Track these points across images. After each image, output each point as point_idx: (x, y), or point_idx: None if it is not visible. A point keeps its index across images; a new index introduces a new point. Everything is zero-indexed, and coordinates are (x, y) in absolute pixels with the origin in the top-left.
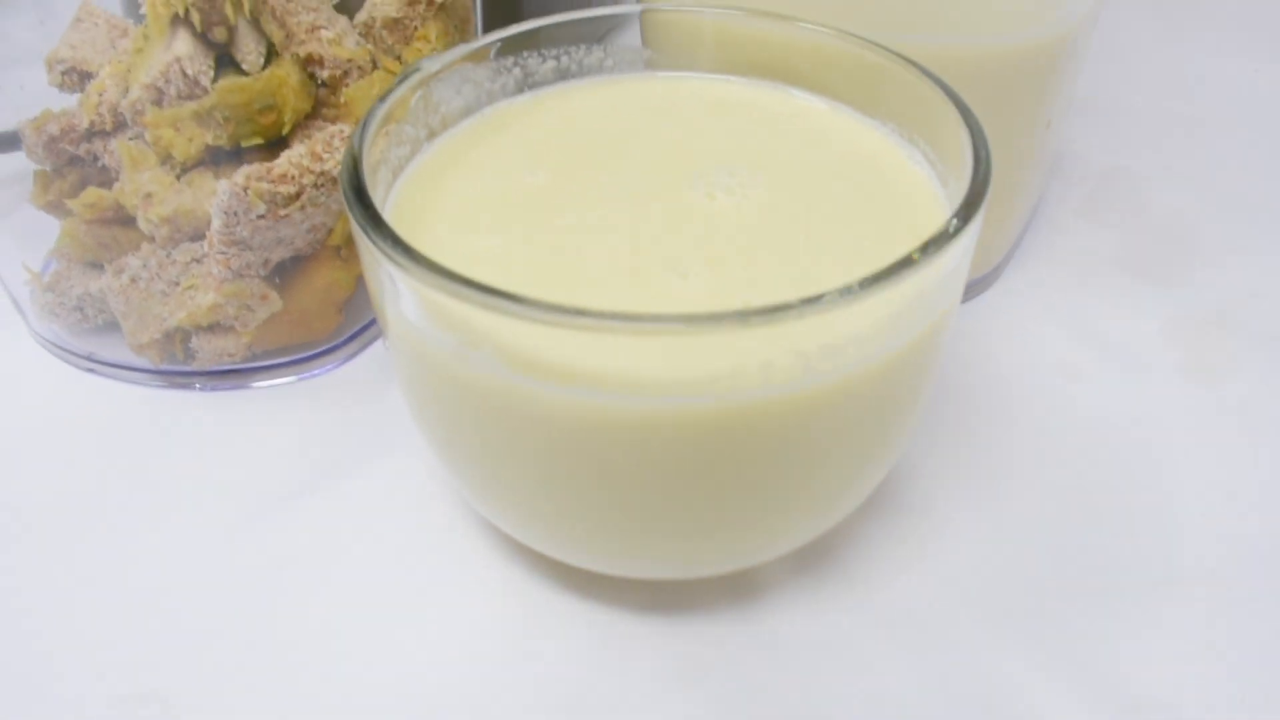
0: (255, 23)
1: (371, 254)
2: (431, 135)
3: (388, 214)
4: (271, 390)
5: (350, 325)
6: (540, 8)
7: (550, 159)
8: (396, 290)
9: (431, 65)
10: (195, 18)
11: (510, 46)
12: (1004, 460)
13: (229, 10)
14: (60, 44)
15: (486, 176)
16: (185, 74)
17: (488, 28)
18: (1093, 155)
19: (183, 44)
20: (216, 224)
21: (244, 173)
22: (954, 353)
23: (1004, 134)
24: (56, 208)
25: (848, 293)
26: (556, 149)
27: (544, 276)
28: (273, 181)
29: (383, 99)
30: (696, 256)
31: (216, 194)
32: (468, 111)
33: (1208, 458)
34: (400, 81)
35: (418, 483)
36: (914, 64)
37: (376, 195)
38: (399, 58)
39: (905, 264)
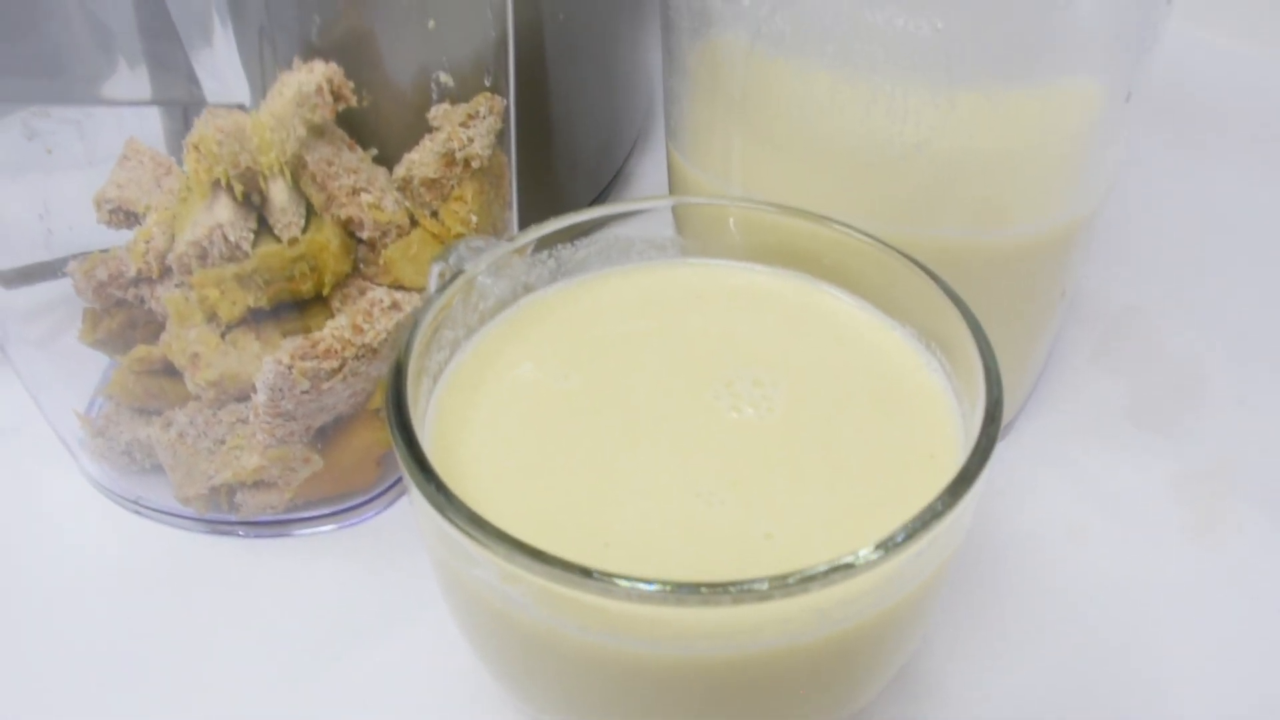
0: (295, 187)
1: (415, 489)
2: (469, 333)
3: (428, 426)
4: (311, 538)
5: (387, 476)
6: (570, 166)
7: (582, 361)
8: (435, 523)
9: (475, 268)
10: (236, 188)
11: (548, 240)
12: (1006, 629)
13: (264, 185)
14: (108, 183)
15: (521, 381)
16: (227, 239)
17: (521, 186)
18: (1107, 294)
19: (224, 210)
20: (262, 398)
21: (288, 350)
22: None
23: (1022, 308)
24: (104, 345)
25: (868, 561)
26: (588, 349)
27: (573, 499)
28: (317, 358)
29: (428, 308)
30: (721, 480)
31: (262, 369)
32: (503, 305)
33: (1210, 624)
34: (443, 289)
35: (446, 648)
36: (933, 276)
37: (418, 410)
38: (435, 214)
39: (926, 521)
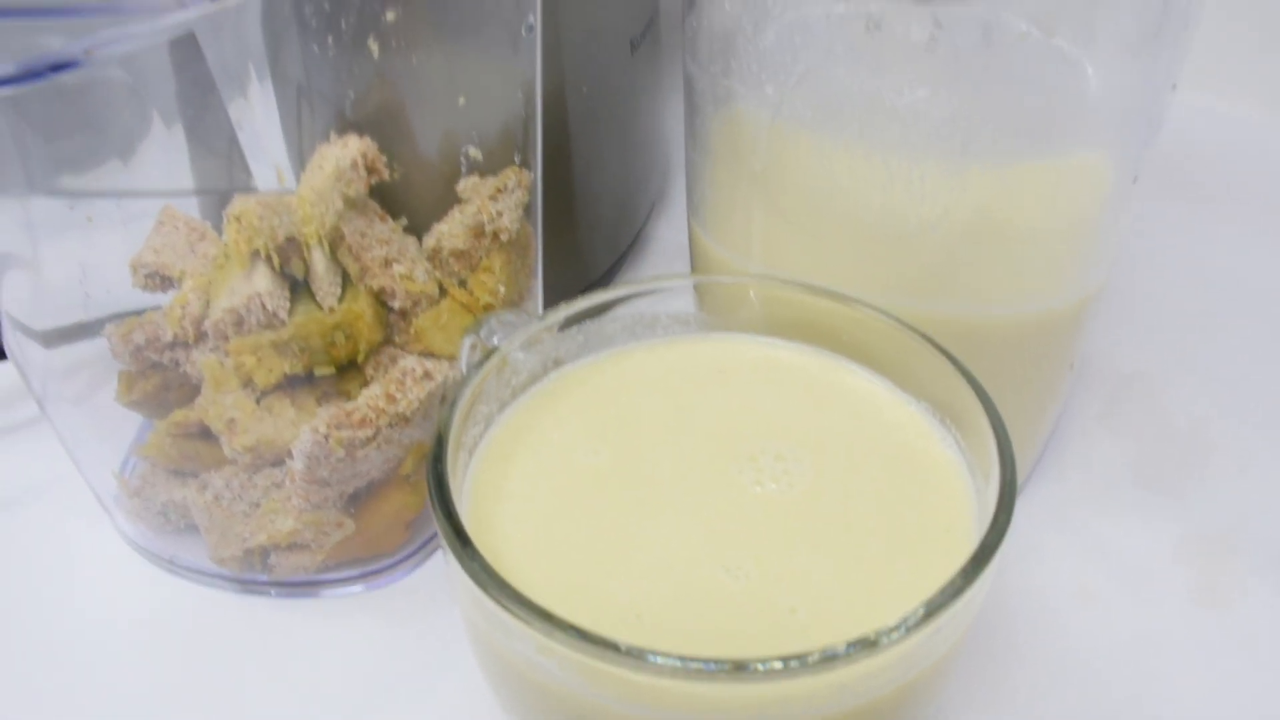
0: (333, 258)
1: (455, 564)
2: (501, 407)
3: (464, 499)
4: (341, 597)
5: (416, 538)
6: (590, 230)
7: (610, 435)
8: (475, 595)
9: (509, 345)
10: (275, 259)
11: (577, 316)
12: (1015, 690)
13: (307, 255)
14: (144, 248)
15: (552, 455)
16: (265, 308)
17: (543, 250)
18: (1113, 359)
19: (262, 279)
20: (300, 465)
21: (325, 420)
22: None
23: (1032, 379)
24: (139, 406)
25: (890, 639)
26: (616, 423)
27: (605, 571)
28: (352, 428)
29: (465, 385)
30: (746, 554)
31: (299, 438)
32: (534, 379)
33: (1215, 686)
34: (479, 366)
35: (475, 707)
36: (946, 354)
37: (455, 484)
38: (464, 283)
39: (946, 598)
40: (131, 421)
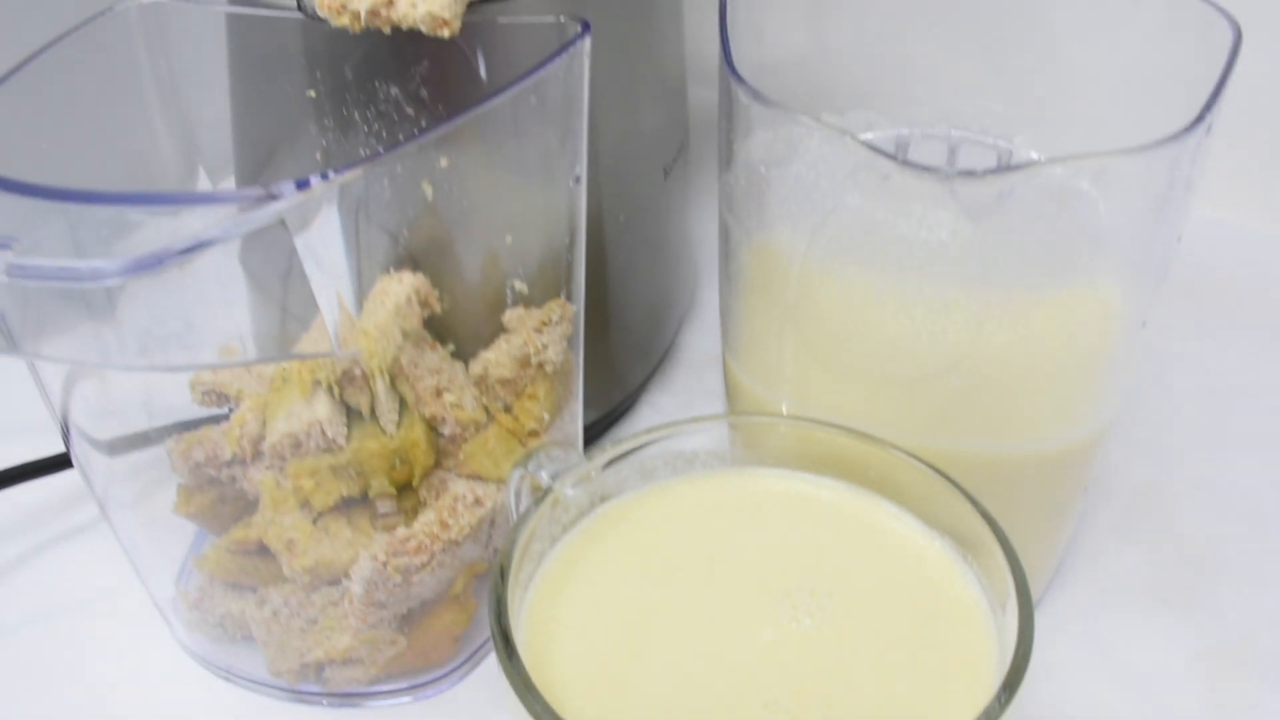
0: (392, 387)
1: (519, 703)
2: (552, 543)
3: (520, 635)
4: (390, 708)
5: (463, 651)
6: (625, 345)
7: (654, 571)
8: None
9: (561, 485)
10: (336, 390)
11: (622, 455)
12: None
13: (371, 385)
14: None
15: (600, 591)
16: (325, 434)
17: (584, 373)
18: (1126, 471)
19: (322, 407)
20: (358, 590)
21: (382, 547)
22: None
23: (1046, 505)
24: (198, 518)
25: None
26: (660, 558)
27: (653, 706)
28: (408, 554)
29: (521, 527)
30: (785, 690)
31: (358, 564)
32: (581, 514)
33: None
34: (534, 506)
35: None
36: (967, 495)
37: (513, 616)
38: (509, 409)
39: None
40: (190, 529)
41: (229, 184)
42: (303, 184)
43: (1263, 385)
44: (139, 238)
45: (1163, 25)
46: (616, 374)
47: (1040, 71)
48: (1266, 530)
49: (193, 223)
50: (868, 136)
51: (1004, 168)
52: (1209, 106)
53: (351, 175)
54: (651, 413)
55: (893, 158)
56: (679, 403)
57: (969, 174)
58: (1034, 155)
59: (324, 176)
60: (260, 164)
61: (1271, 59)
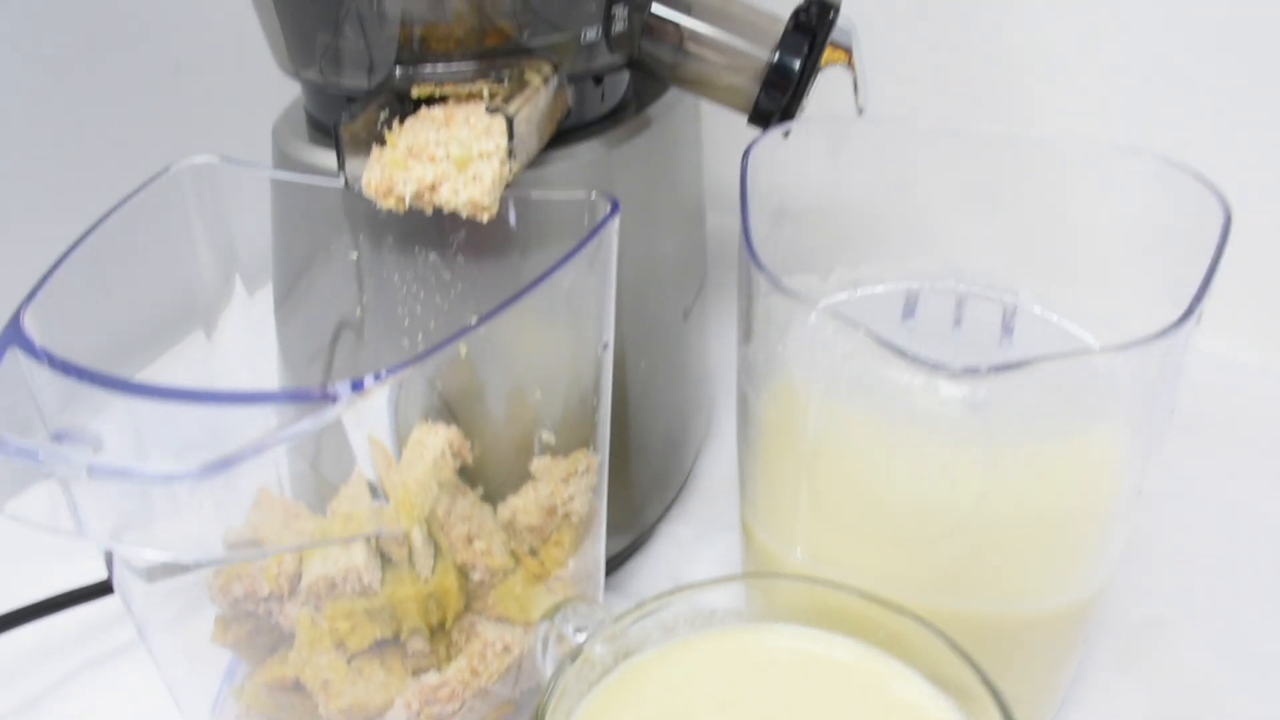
0: (428, 535)
1: None
2: (579, 699)
3: None
4: None
5: None
6: (645, 478)
7: None
8: None
9: (591, 645)
10: (375, 542)
11: (646, 613)
12: None
13: (411, 536)
14: (243, 526)
15: None
16: (361, 579)
17: (608, 519)
18: (1128, 605)
19: (359, 554)
20: None
21: (416, 695)
22: None
23: (1049, 655)
24: (235, 647)
25: None
26: (679, 716)
27: None
28: (441, 702)
29: (554, 688)
30: None
31: (393, 708)
32: (606, 671)
33: None
34: (566, 666)
35: None
36: (969, 661)
37: None
38: (535, 553)
39: None
40: (226, 656)
41: (266, 291)
42: (358, 385)
43: (1264, 519)
44: (194, 419)
45: (1158, 195)
46: (636, 508)
47: (1044, 230)
48: (1270, 666)
49: (252, 419)
50: (878, 290)
51: (1003, 365)
52: (1199, 298)
53: (404, 374)
54: (669, 544)
55: (903, 353)
56: (696, 533)
57: (973, 370)
58: (1038, 309)
59: (377, 377)
60: (301, 317)
61: (1271, 197)
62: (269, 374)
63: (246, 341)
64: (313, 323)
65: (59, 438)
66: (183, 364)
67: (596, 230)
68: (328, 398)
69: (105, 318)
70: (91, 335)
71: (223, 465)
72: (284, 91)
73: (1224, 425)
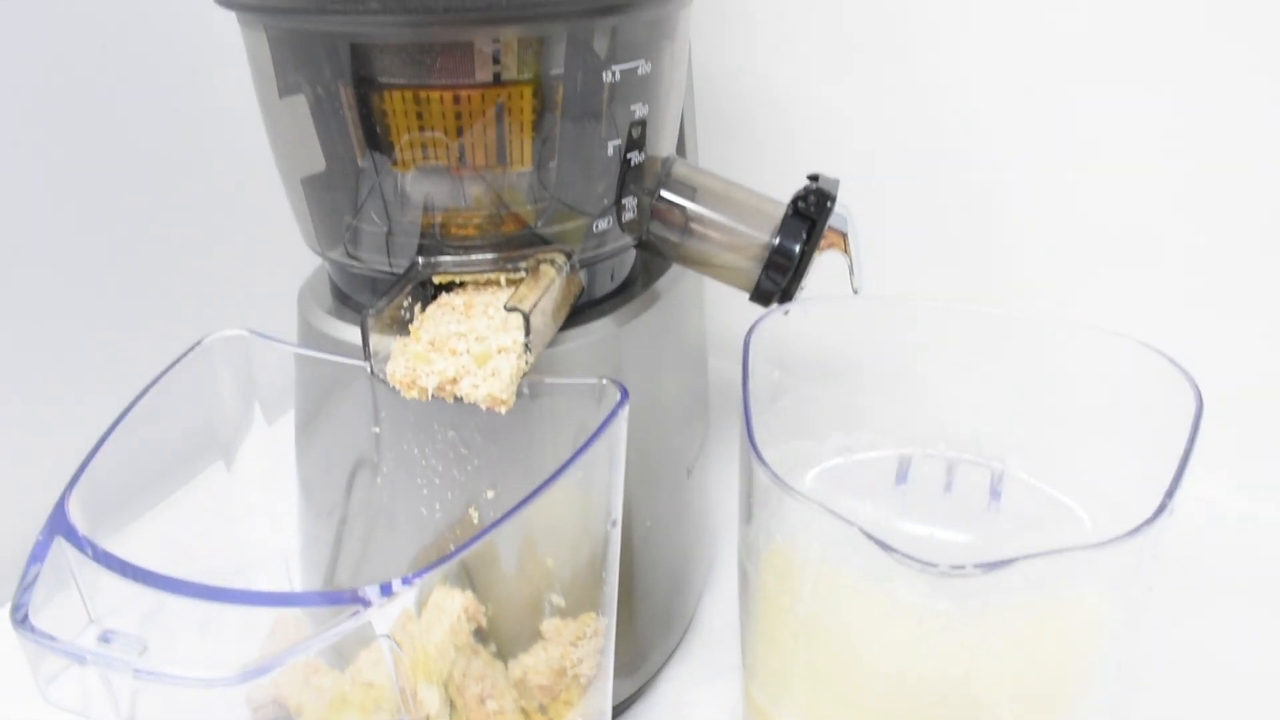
0: (445, 693)
1: None
2: None
3: None
4: None
5: None
6: (648, 623)
7: None
8: None
9: None
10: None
11: None
12: None
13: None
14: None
15: None
16: None
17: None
18: None
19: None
20: None
21: None
22: None
23: None
24: None
25: None
26: None
27: None
28: None
29: None
30: None
31: None
32: None
33: None
34: None
35: None
36: None
37: None
38: (544, 709)
39: None
40: None
41: (286, 421)
42: (386, 589)
43: (1255, 664)
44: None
45: (1136, 376)
46: (641, 653)
47: (1030, 401)
48: None
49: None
50: (873, 455)
51: (990, 564)
52: (1170, 493)
53: (431, 576)
54: (674, 688)
55: (895, 550)
56: (700, 676)
57: (959, 569)
58: (1024, 475)
59: (406, 582)
60: (322, 488)
61: (1254, 346)
62: (287, 510)
63: (265, 473)
64: (332, 473)
65: (106, 639)
66: (203, 493)
67: (608, 421)
68: (359, 601)
69: (129, 454)
70: (115, 468)
71: (260, 671)
72: (310, 256)
73: (1205, 570)
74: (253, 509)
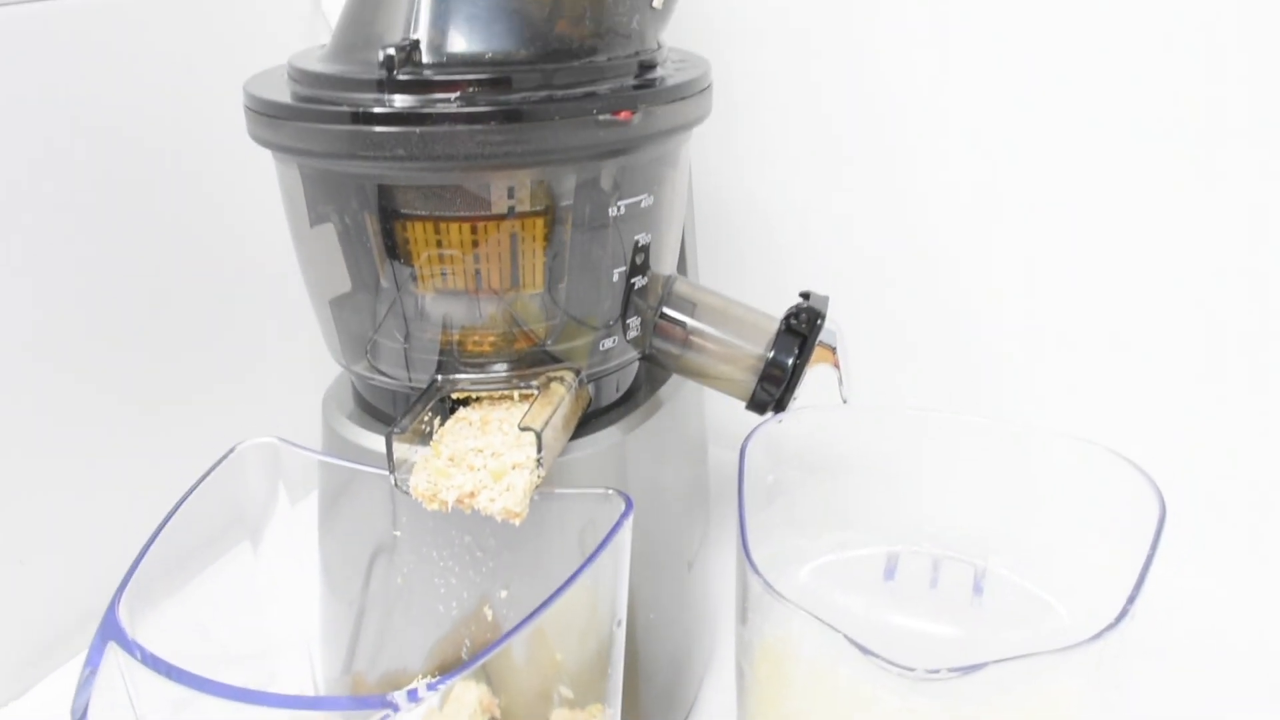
0: None
1: None
2: None
3: None
4: None
5: None
6: (651, 702)
7: None
8: None
9: None
10: None
11: None
12: None
13: None
14: None
15: None
16: None
17: None
18: None
19: None
20: None
21: None
22: None
23: None
24: None
25: None
26: None
27: None
28: None
29: None
30: None
31: None
32: None
33: None
34: None
35: None
36: None
37: None
38: None
39: None
40: None
41: (309, 501)
42: (413, 695)
43: None
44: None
45: (1105, 481)
46: None
47: (1009, 503)
48: None
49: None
50: (862, 552)
51: (964, 668)
52: (1132, 599)
53: (454, 680)
54: None
55: (877, 655)
56: None
57: (934, 673)
58: (1005, 572)
59: (432, 688)
60: (343, 580)
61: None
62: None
63: (289, 553)
64: (352, 566)
65: None
66: (231, 572)
67: (614, 531)
68: (388, 705)
69: (168, 551)
70: (154, 567)
71: None
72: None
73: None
74: (277, 592)
